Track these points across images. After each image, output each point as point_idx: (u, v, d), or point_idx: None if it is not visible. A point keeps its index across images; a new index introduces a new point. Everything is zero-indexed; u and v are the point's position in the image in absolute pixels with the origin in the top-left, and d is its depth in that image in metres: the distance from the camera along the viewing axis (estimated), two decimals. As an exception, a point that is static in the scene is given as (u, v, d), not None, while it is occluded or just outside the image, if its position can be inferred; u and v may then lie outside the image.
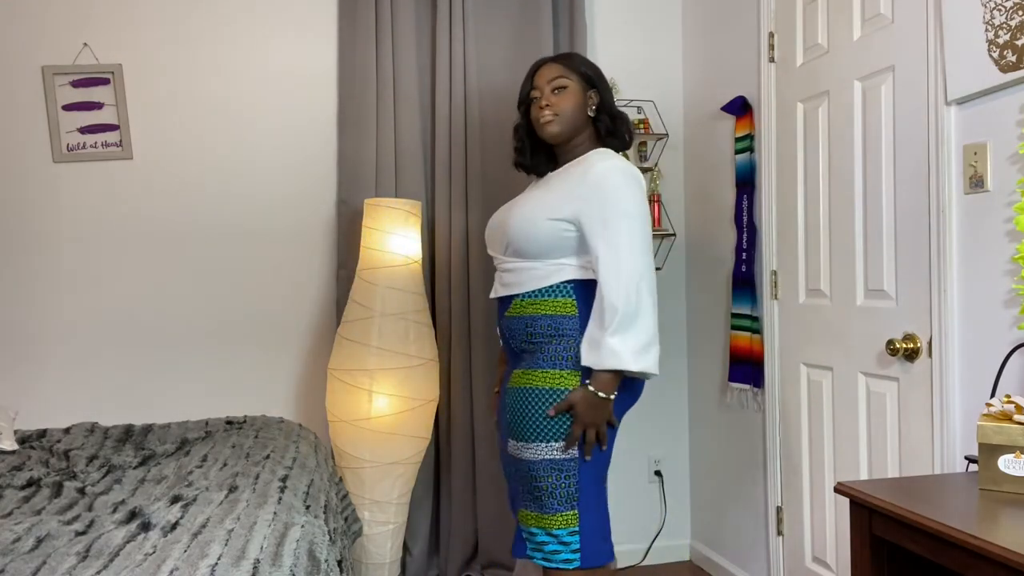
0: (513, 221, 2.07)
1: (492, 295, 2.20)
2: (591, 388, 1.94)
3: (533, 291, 2.05)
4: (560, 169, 2.16)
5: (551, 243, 2.02)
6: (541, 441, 1.99)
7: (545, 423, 1.98)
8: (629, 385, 2.05)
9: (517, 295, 2.08)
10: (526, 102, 2.21)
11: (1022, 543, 1.25)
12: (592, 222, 1.97)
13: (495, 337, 3.08)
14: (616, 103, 2.31)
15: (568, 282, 2.03)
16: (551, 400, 1.98)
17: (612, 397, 1.95)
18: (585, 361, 1.95)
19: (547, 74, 2.15)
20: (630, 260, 1.93)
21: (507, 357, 2.20)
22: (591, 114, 2.14)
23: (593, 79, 2.15)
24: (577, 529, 2.00)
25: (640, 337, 1.92)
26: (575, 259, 2.04)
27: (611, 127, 2.16)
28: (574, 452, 1.99)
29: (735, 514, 3.05)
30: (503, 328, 2.14)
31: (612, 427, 2.04)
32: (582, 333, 2.00)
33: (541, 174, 2.26)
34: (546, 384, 1.99)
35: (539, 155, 2.25)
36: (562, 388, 1.98)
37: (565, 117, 2.11)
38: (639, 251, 1.95)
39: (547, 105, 2.12)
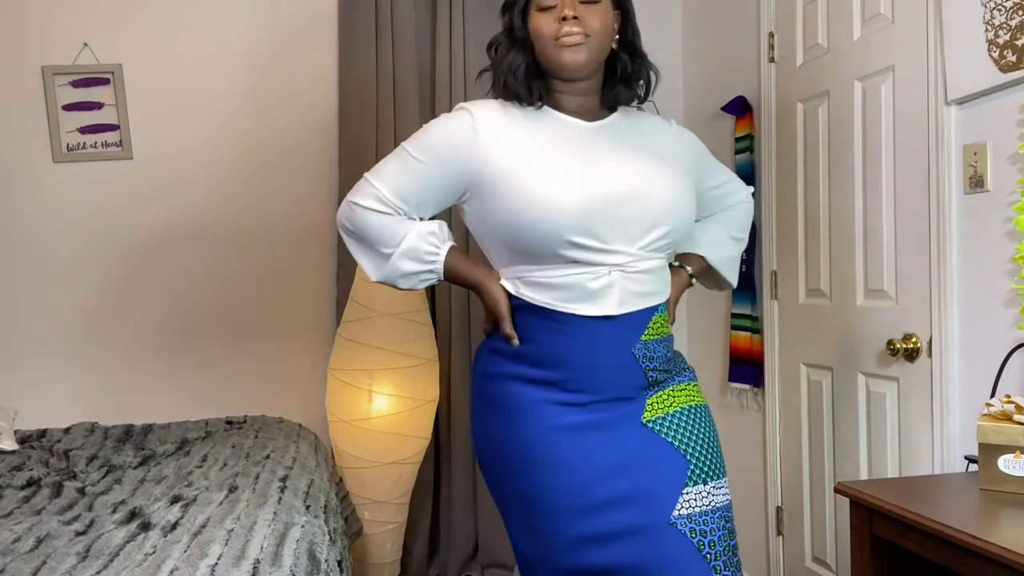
0: (673, 198, 1.47)
1: (619, 310, 1.45)
2: (689, 271, 1.72)
3: (664, 300, 1.56)
4: (604, 125, 1.54)
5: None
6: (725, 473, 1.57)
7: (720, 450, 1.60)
8: None
9: (657, 307, 1.52)
10: (524, 9, 1.49)
11: (1022, 543, 1.25)
12: (708, 169, 1.74)
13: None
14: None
15: None
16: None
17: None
18: (703, 248, 1.73)
19: None
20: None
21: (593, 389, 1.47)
22: (613, 46, 1.53)
23: None
24: None
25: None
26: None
27: (630, 69, 1.55)
28: None
29: (735, 514, 3.04)
30: (639, 354, 1.48)
31: None
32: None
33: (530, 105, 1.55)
34: (704, 400, 1.63)
35: (536, 81, 1.53)
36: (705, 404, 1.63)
37: (595, 43, 1.45)
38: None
39: (574, 18, 1.42)
